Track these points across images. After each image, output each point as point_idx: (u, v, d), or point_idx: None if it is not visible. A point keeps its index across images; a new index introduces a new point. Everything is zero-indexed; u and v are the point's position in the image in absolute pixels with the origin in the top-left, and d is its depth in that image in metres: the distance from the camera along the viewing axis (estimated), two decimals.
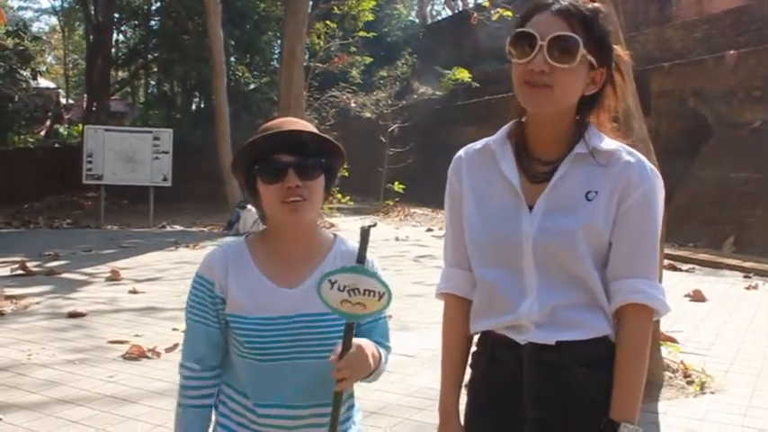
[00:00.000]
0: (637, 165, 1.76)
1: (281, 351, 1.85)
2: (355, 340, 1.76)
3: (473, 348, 1.96)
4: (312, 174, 1.86)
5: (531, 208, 1.78)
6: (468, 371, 1.97)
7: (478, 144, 1.92)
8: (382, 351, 1.91)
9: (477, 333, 1.92)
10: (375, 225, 1.84)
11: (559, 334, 1.74)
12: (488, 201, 1.84)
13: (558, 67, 1.69)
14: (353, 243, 1.99)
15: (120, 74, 34.71)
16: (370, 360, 1.81)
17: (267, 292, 1.89)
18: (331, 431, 1.77)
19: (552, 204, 1.76)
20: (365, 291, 1.71)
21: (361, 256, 1.75)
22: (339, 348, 1.73)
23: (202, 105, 31.33)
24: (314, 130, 1.91)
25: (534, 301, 1.76)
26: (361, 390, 1.90)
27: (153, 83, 36.39)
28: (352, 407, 2.01)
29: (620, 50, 1.83)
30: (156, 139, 19.28)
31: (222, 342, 1.94)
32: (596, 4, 1.77)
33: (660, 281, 1.77)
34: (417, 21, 41.87)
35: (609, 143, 1.79)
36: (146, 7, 30.37)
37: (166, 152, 19.14)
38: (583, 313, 1.75)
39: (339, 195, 19.88)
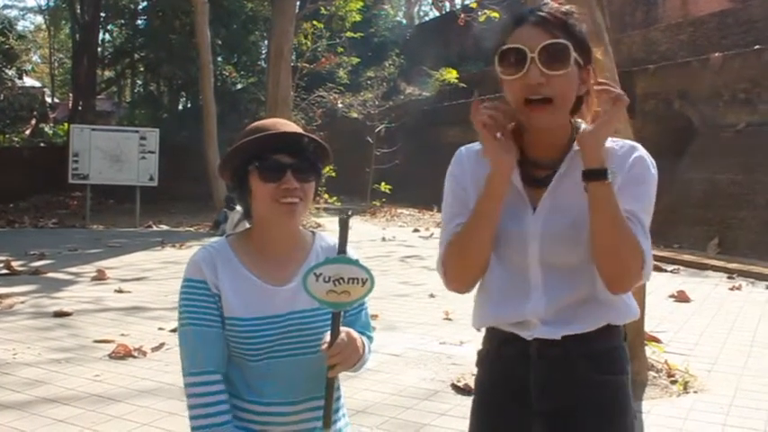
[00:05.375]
0: (630, 149, 1.82)
1: (274, 349, 1.85)
2: (343, 328, 1.78)
3: (479, 347, 1.99)
4: (309, 176, 1.89)
5: (533, 209, 1.80)
6: (475, 369, 2.00)
7: (477, 146, 1.89)
8: (365, 340, 1.93)
9: (482, 329, 1.95)
10: (352, 215, 1.85)
11: (564, 329, 1.78)
12: None
13: (553, 75, 1.69)
14: (332, 238, 2.00)
15: (107, 73, 34.62)
16: (359, 346, 1.84)
17: (257, 291, 1.88)
18: (324, 419, 1.78)
19: (555, 204, 1.79)
20: (349, 279, 1.73)
21: (342, 246, 1.77)
22: (328, 337, 1.75)
23: (189, 105, 31.29)
24: (307, 133, 1.93)
25: (541, 297, 1.79)
26: (347, 388, 1.91)
27: (139, 82, 36.28)
28: (339, 398, 2.00)
29: (596, 52, 1.85)
30: (142, 138, 19.21)
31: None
32: (569, 6, 1.79)
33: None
34: (405, 21, 41.98)
35: None
36: (132, 6, 30.29)
37: (153, 152, 19.06)
38: (586, 306, 1.79)
39: (326, 196, 19.88)
